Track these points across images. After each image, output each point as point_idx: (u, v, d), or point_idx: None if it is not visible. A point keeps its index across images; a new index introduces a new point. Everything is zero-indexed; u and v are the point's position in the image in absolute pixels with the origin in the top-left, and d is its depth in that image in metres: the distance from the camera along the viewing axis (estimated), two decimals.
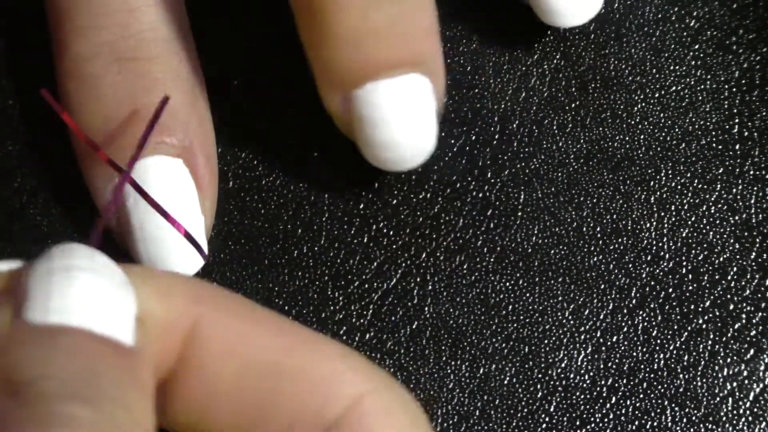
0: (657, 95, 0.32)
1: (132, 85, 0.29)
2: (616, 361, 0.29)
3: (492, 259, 0.30)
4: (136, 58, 0.29)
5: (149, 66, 0.29)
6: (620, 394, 0.29)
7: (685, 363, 0.29)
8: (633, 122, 0.32)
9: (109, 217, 0.28)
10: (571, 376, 0.29)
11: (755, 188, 0.31)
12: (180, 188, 0.29)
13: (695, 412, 0.29)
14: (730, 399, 0.29)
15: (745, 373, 0.29)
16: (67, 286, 0.21)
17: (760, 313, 0.30)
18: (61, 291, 0.21)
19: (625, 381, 0.29)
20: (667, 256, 0.30)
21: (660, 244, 0.30)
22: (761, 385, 0.29)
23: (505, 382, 0.29)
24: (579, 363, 0.29)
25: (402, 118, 0.28)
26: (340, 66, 0.28)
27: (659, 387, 0.29)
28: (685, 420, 0.29)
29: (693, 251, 0.30)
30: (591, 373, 0.29)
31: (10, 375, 0.20)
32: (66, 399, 0.20)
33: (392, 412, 0.23)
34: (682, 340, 0.29)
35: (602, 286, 0.30)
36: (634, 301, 0.30)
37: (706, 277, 0.30)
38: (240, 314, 0.23)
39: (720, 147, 0.31)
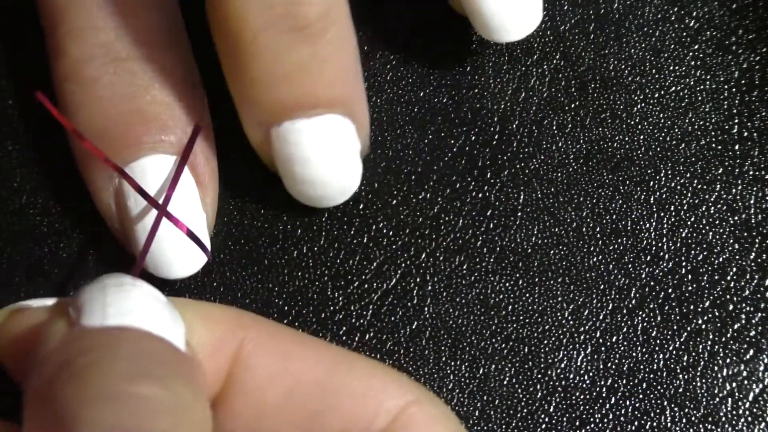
0: (656, 95, 0.32)
1: (129, 85, 0.29)
2: (616, 361, 0.29)
3: (492, 260, 0.30)
4: (132, 58, 0.29)
5: (146, 66, 0.29)
6: (620, 394, 0.29)
7: (684, 363, 0.29)
8: (632, 122, 0.32)
9: (143, 260, 0.28)
10: (571, 376, 0.29)
11: (755, 188, 0.31)
12: (180, 186, 0.29)
13: (695, 412, 0.29)
14: (730, 399, 0.29)
15: (745, 374, 0.29)
16: (122, 297, 0.22)
17: (759, 314, 0.30)
18: (117, 300, 0.22)
19: (624, 381, 0.29)
20: (666, 256, 0.30)
21: (659, 245, 0.30)
22: (760, 386, 0.29)
23: (505, 382, 0.29)
24: (578, 363, 0.29)
25: (320, 156, 0.29)
26: (258, 105, 0.29)
27: (659, 387, 0.29)
28: (684, 420, 0.29)
29: (692, 251, 0.30)
30: (590, 374, 0.29)
31: (74, 360, 0.20)
32: (135, 378, 0.20)
33: (437, 421, 0.23)
34: (682, 340, 0.29)
35: (602, 287, 0.30)
36: (633, 302, 0.30)
37: (705, 278, 0.30)
38: (281, 337, 0.24)
39: (719, 147, 0.31)
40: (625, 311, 0.30)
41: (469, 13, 0.30)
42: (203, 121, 0.30)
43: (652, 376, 0.29)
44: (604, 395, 0.29)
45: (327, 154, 0.29)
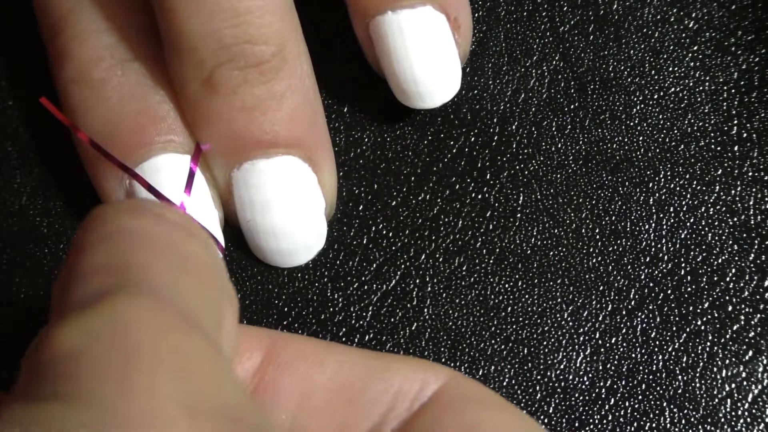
0: (656, 97, 0.32)
1: (137, 85, 0.29)
2: (615, 362, 0.29)
3: (491, 261, 0.30)
4: (139, 58, 0.29)
5: (153, 65, 0.29)
6: (619, 395, 0.29)
7: (683, 364, 0.29)
8: (632, 124, 0.32)
9: None
10: (570, 377, 0.29)
11: (754, 189, 0.31)
12: (194, 184, 0.29)
13: (694, 413, 0.29)
14: (729, 400, 0.29)
15: (744, 375, 0.29)
16: None
17: (758, 315, 0.30)
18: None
19: (623, 382, 0.29)
20: (665, 257, 0.30)
21: (659, 246, 0.30)
22: (759, 387, 0.29)
23: (504, 383, 0.29)
24: (578, 364, 0.29)
25: (281, 200, 0.28)
26: (218, 142, 0.29)
27: (658, 388, 0.29)
28: (683, 421, 0.29)
29: (692, 253, 0.30)
30: (590, 375, 0.29)
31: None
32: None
33: (475, 393, 0.24)
34: (681, 341, 0.29)
35: (601, 288, 0.30)
36: (632, 303, 0.30)
37: (704, 279, 0.30)
38: (304, 339, 0.25)
39: (719, 148, 0.31)
40: (624, 312, 0.30)
41: (387, 77, 0.30)
42: None
43: (651, 377, 0.29)
44: (603, 396, 0.29)
45: (288, 198, 0.28)
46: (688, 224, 0.31)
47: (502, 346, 0.30)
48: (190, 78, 0.28)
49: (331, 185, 0.30)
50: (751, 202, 0.31)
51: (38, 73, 0.32)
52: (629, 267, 0.30)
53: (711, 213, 0.31)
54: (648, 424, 0.29)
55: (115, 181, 0.29)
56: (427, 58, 0.29)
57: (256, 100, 0.28)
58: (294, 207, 0.29)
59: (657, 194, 0.31)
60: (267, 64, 0.28)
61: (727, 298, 0.30)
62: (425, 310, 0.30)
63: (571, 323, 0.30)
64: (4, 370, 0.30)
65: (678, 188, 0.31)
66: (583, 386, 0.29)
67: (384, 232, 0.31)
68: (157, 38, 0.29)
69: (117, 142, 0.28)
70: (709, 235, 0.30)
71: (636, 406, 0.29)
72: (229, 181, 0.29)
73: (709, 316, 0.30)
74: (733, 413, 0.29)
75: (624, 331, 0.30)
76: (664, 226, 0.31)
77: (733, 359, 0.29)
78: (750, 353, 0.29)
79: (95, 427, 0.16)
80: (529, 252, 0.30)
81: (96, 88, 0.29)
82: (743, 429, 0.29)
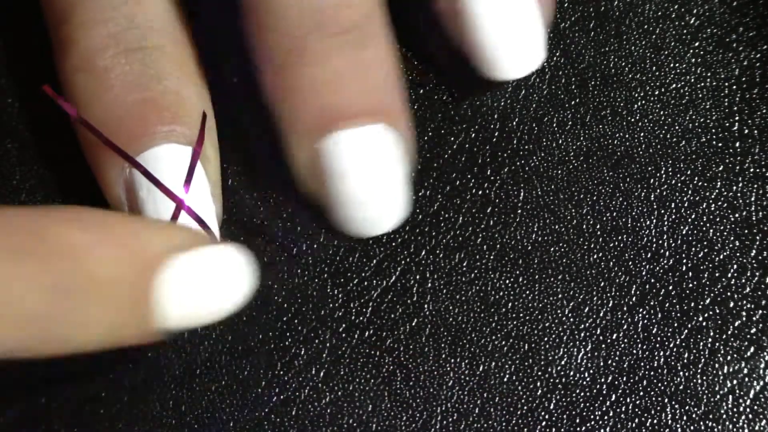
0: (657, 93, 0.32)
1: (141, 75, 0.29)
2: (616, 358, 0.29)
3: (492, 257, 0.30)
4: (143, 47, 0.29)
5: (156, 56, 0.29)
6: (620, 391, 0.29)
7: (685, 360, 0.29)
8: (633, 120, 0.32)
9: None
10: (571, 373, 0.29)
11: (755, 186, 0.31)
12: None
13: (695, 409, 0.29)
14: (731, 397, 0.29)
15: (746, 371, 0.29)
16: None
17: (760, 311, 0.30)
18: None
19: (624, 378, 0.29)
20: (667, 253, 0.30)
21: (660, 242, 0.30)
22: (761, 383, 0.29)
23: (505, 379, 0.29)
24: (579, 360, 0.29)
25: (366, 170, 0.28)
26: (304, 113, 0.28)
27: (659, 385, 0.29)
28: (685, 418, 0.29)
29: (693, 249, 0.30)
30: (591, 371, 0.29)
31: None
32: None
33: None
34: (682, 337, 0.29)
35: (602, 284, 0.30)
36: (634, 299, 0.30)
37: (706, 275, 0.30)
38: None
39: (720, 144, 0.31)
40: (625, 308, 0.30)
41: (467, 48, 0.30)
42: (210, 112, 0.30)
43: (652, 373, 0.29)
44: (604, 392, 0.29)
45: (378, 166, 0.28)
46: (690, 220, 0.30)
47: (503, 343, 0.30)
48: (278, 47, 0.28)
49: (412, 152, 0.30)
50: (752, 199, 0.31)
51: (38, 71, 0.32)
52: (630, 263, 0.30)
53: (712, 209, 0.31)
54: (649, 420, 0.29)
55: (115, 170, 0.29)
56: (511, 26, 0.29)
57: (344, 69, 0.28)
58: (383, 174, 0.28)
59: (658, 190, 0.31)
60: (356, 31, 0.28)
61: (729, 294, 0.30)
62: (425, 306, 0.30)
63: (572, 319, 0.30)
64: (4, 370, 0.30)
65: (679, 184, 0.31)
66: (584, 382, 0.29)
67: None
68: (163, 28, 0.29)
69: (119, 130, 0.28)
70: (711, 231, 0.30)
71: (637, 402, 0.29)
72: (315, 155, 0.29)
73: (711, 313, 0.30)
74: (735, 410, 0.29)
75: (625, 327, 0.30)
76: (666, 223, 0.30)
77: (735, 355, 0.29)
78: (752, 349, 0.29)
79: None
80: (529, 248, 0.30)
81: (100, 76, 0.29)
82: (745, 425, 0.29)
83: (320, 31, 0.28)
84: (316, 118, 0.28)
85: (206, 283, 0.25)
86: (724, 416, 0.29)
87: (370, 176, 0.28)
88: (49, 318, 0.23)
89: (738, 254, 0.30)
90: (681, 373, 0.29)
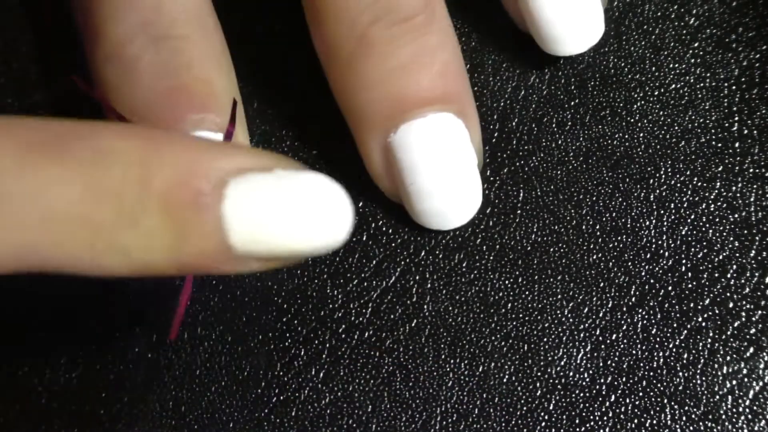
0: (656, 93, 0.32)
1: (171, 63, 0.29)
2: (616, 359, 0.29)
3: (491, 257, 0.30)
4: (171, 36, 0.29)
5: (185, 44, 0.29)
6: (619, 392, 0.29)
7: (684, 361, 0.29)
8: (632, 120, 0.32)
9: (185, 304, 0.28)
10: (571, 374, 0.29)
11: (755, 186, 0.31)
12: None
13: (694, 410, 0.29)
14: (730, 397, 0.29)
15: (745, 371, 0.29)
16: None
17: (759, 311, 0.30)
18: None
19: (624, 379, 0.29)
20: (666, 254, 0.30)
21: (659, 242, 0.30)
22: (761, 383, 0.29)
23: (504, 380, 0.29)
24: (578, 361, 0.29)
25: (439, 162, 0.28)
26: (374, 104, 0.28)
27: (658, 385, 0.29)
28: (684, 418, 0.29)
29: (692, 249, 0.30)
30: (590, 371, 0.29)
31: None
32: None
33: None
34: (682, 338, 0.29)
35: (601, 284, 0.30)
36: (633, 299, 0.30)
37: (705, 275, 0.30)
38: None
39: (719, 145, 0.31)
40: (624, 309, 0.30)
41: (529, 24, 0.30)
42: (238, 100, 0.30)
43: (651, 373, 0.29)
44: (603, 393, 0.29)
45: (448, 156, 0.28)
46: (689, 221, 0.30)
47: (503, 343, 0.30)
48: (343, 39, 0.28)
49: (480, 140, 0.30)
50: (751, 199, 0.31)
51: (38, 70, 0.32)
52: (630, 263, 0.30)
53: (712, 209, 0.31)
54: (648, 421, 0.29)
55: None
56: (571, 2, 0.30)
57: (411, 57, 0.28)
58: (454, 164, 0.29)
59: (657, 191, 0.31)
60: (418, 17, 0.28)
61: (728, 294, 0.30)
62: (425, 306, 0.30)
63: (571, 320, 0.30)
64: (4, 369, 0.30)
65: (678, 185, 0.31)
66: (584, 383, 0.29)
67: (384, 228, 0.31)
68: (190, 18, 0.29)
69: (149, 119, 0.28)
70: (710, 231, 0.30)
71: (636, 402, 0.29)
72: (386, 148, 0.29)
73: (710, 313, 0.30)
74: (734, 410, 0.29)
75: (624, 327, 0.30)
76: (665, 223, 0.30)
77: (734, 356, 0.29)
78: (751, 350, 0.29)
79: None
80: (529, 248, 0.30)
81: (130, 64, 0.29)
82: (744, 426, 0.29)
83: (384, 20, 0.28)
84: (387, 109, 0.28)
85: (284, 206, 0.22)
86: (724, 417, 0.29)
87: (444, 166, 0.28)
88: (101, 224, 0.21)
89: (737, 254, 0.30)
90: (680, 373, 0.29)
